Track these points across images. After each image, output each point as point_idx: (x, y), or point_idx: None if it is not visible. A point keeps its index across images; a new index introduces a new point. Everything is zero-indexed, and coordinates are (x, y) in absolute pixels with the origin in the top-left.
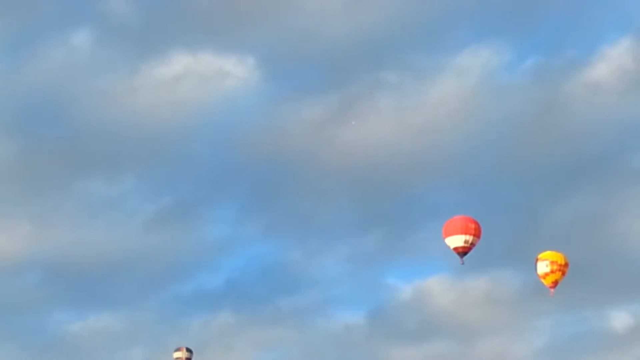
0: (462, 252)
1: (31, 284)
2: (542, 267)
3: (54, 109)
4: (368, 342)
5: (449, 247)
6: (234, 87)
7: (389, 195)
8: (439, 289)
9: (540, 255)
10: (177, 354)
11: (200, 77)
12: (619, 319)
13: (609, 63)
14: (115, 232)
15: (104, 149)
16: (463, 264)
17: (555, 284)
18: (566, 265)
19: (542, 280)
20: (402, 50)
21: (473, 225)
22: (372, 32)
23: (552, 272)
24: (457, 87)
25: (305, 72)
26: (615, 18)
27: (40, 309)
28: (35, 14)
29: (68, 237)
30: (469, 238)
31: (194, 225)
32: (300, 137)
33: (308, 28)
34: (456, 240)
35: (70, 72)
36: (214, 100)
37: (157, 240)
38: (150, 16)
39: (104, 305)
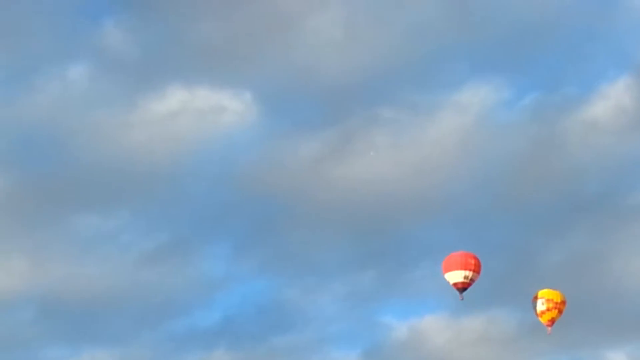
0: (462, 287)
1: (25, 320)
2: (539, 305)
3: (49, 143)
4: None
5: (448, 282)
6: (230, 122)
7: (385, 233)
8: (435, 327)
9: (537, 293)
10: None
11: (197, 112)
12: None
13: (607, 101)
14: (110, 268)
15: (100, 184)
16: (462, 299)
17: (552, 322)
18: (563, 303)
19: (539, 319)
20: (399, 86)
21: (473, 261)
22: (369, 68)
23: (548, 310)
24: (455, 124)
25: (303, 108)
26: (614, 56)
27: (34, 345)
28: (32, 47)
29: (62, 272)
30: (469, 274)
31: (189, 261)
32: (297, 174)
33: (305, 64)
34: (456, 276)
35: (67, 106)
36: (211, 135)
37: (152, 277)
38: (147, 51)
39: (98, 342)
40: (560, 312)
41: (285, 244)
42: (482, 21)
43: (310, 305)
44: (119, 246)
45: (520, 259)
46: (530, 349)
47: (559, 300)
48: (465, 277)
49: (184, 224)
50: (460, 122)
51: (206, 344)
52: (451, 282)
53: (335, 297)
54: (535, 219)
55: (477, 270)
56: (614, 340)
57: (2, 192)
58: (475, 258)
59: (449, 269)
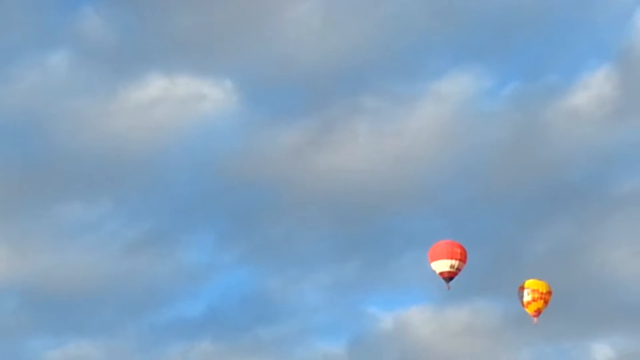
0: (448, 277)
1: (7, 310)
2: (525, 296)
3: (29, 132)
4: None
5: (434, 271)
6: (211, 111)
7: (368, 222)
8: (420, 318)
9: (523, 284)
10: None
11: (177, 100)
12: (600, 351)
13: (589, 90)
14: (93, 257)
15: (81, 173)
16: (449, 289)
17: (538, 312)
18: (549, 293)
19: (525, 309)
20: (381, 75)
21: (459, 250)
22: (350, 57)
23: (533, 300)
24: (436, 113)
25: (283, 96)
26: (595, 45)
27: (17, 335)
28: (11, 35)
29: (45, 262)
30: (455, 263)
31: (171, 251)
32: (278, 162)
33: (286, 52)
34: (442, 265)
35: (47, 94)
36: (191, 123)
37: (135, 266)
38: (127, 38)
39: (82, 332)
40: (546, 302)
41: (268, 233)
42: (464, 10)
43: (294, 296)
44: (102, 235)
45: (504, 249)
46: (515, 339)
47: (544, 291)
48: (452, 267)
49: (166, 213)
50: (442, 111)
51: (190, 335)
52: (437, 271)
53: (320, 287)
54: (518, 208)
55: (463, 259)
56: (600, 330)
57: None
58: (461, 247)
59: (435, 258)
